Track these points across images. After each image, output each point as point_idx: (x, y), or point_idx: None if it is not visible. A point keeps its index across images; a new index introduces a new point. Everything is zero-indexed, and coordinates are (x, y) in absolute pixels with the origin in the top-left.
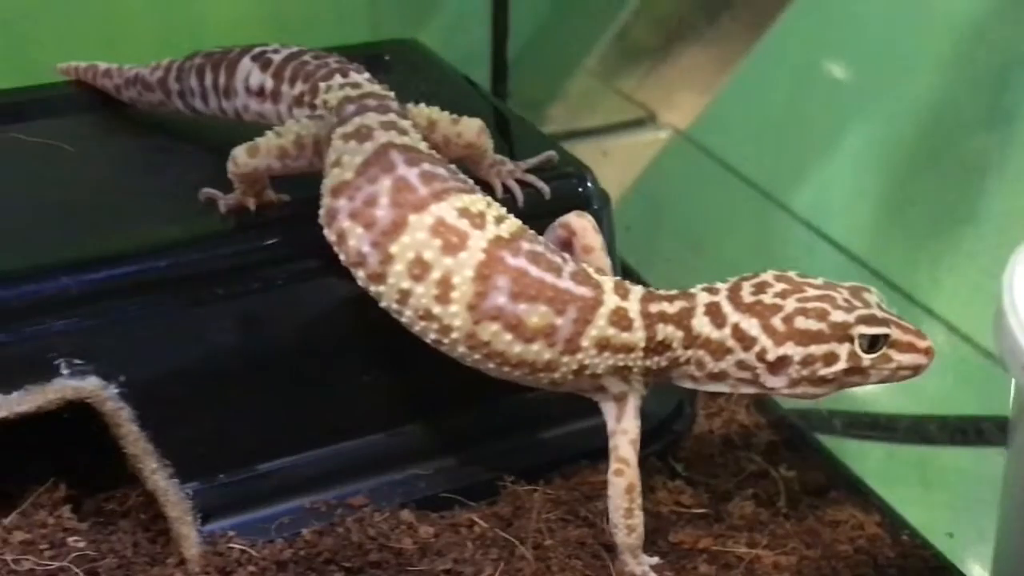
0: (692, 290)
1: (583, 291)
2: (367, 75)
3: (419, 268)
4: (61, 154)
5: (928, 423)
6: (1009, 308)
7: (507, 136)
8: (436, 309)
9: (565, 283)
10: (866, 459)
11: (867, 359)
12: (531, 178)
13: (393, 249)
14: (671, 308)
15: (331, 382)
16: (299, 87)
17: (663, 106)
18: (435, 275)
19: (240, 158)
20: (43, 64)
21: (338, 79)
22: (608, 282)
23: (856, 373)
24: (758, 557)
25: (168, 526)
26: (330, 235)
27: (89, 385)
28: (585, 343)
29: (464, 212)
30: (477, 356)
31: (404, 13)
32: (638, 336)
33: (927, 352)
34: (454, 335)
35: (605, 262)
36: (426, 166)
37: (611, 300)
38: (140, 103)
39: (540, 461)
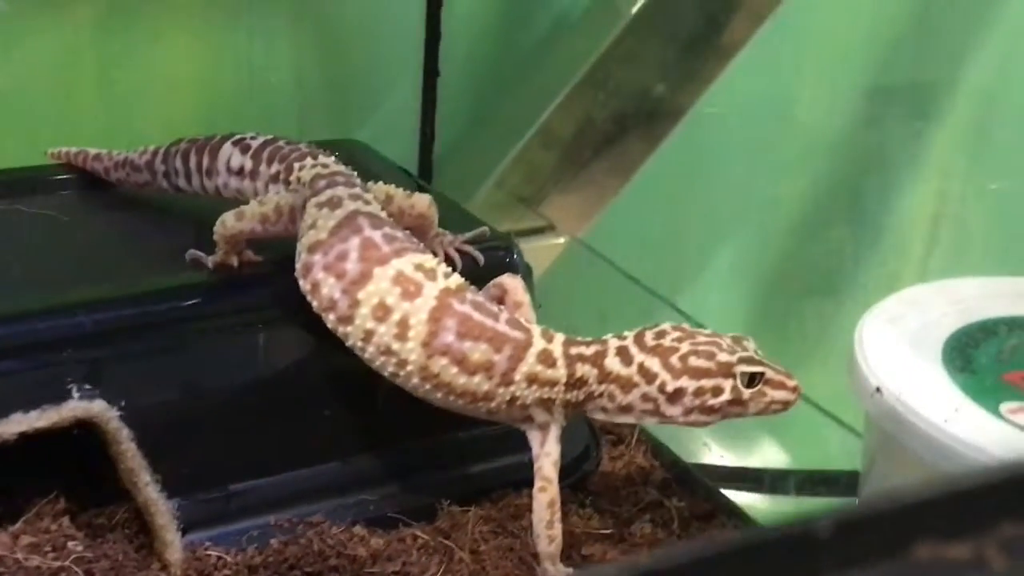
0: (604, 338)
1: (516, 334)
2: (333, 158)
3: (382, 311)
4: (58, 223)
5: (789, 475)
6: (859, 354)
7: (444, 215)
8: (395, 346)
9: (502, 327)
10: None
11: (746, 393)
12: (468, 248)
13: (360, 295)
14: (588, 351)
15: (295, 415)
16: (275, 167)
17: (561, 216)
18: (395, 317)
19: (228, 221)
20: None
21: (309, 160)
22: (536, 329)
23: (737, 404)
24: None
25: (152, 537)
26: (305, 285)
27: (97, 407)
28: (517, 377)
29: (419, 267)
30: (428, 386)
31: (330, 122)
32: (560, 372)
33: (795, 390)
34: (409, 368)
35: (532, 315)
36: (387, 229)
37: (539, 342)
38: (127, 183)
39: (472, 489)
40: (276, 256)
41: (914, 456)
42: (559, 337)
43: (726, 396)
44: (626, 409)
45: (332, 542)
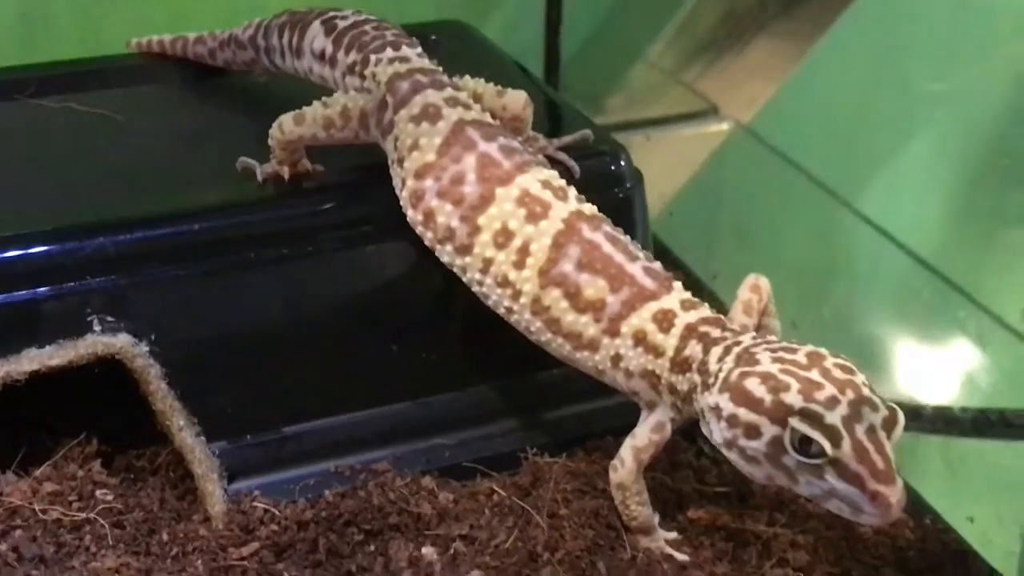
0: (750, 333)
1: (645, 281)
2: (419, 50)
3: (503, 236)
4: (111, 124)
5: (955, 411)
6: None
7: (553, 118)
8: (512, 275)
9: (632, 268)
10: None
11: (793, 457)
12: (562, 156)
13: (481, 221)
14: (713, 332)
15: (359, 350)
16: (353, 56)
17: (725, 98)
18: (516, 242)
19: (286, 125)
20: (112, 38)
21: (389, 52)
22: (679, 292)
23: (779, 466)
24: (775, 535)
25: (195, 484)
26: (415, 216)
27: (119, 342)
28: (624, 328)
29: (547, 184)
30: (538, 323)
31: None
32: (669, 343)
33: (875, 496)
34: (523, 300)
35: (772, 324)
36: (502, 140)
37: (667, 301)
38: (235, 64)
39: (565, 436)
40: (338, 165)
41: None
42: (701, 310)
43: (760, 445)
44: (701, 416)
45: (394, 496)
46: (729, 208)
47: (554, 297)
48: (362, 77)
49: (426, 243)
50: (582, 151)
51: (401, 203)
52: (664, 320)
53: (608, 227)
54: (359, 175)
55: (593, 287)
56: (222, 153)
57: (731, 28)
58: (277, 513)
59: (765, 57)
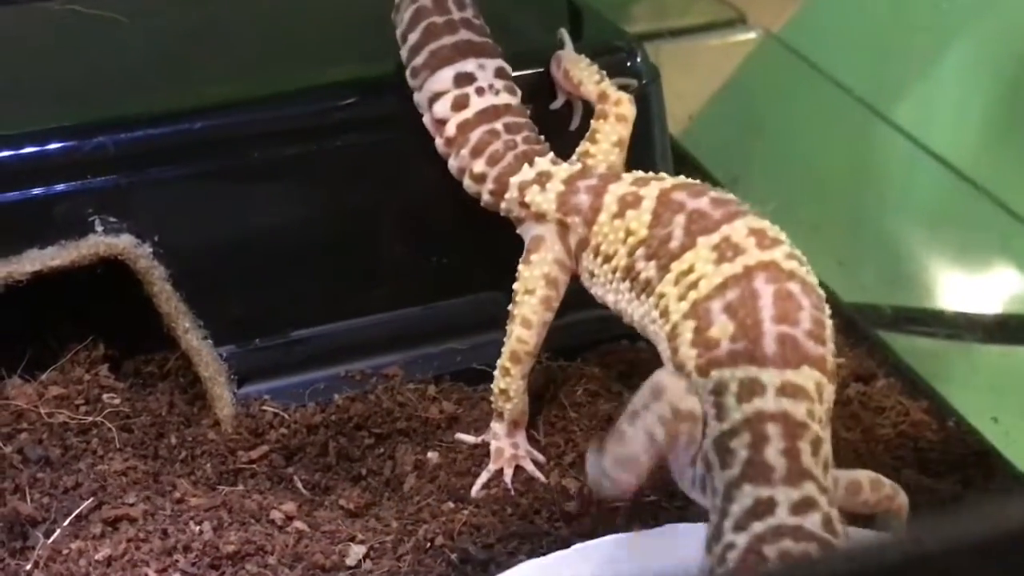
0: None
1: (768, 345)
2: (551, 155)
3: (685, 275)
4: (116, 25)
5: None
6: None
7: (574, 19)
8: (672, 305)
9: (768, 327)
10: (919, 351)
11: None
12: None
13: (673, 265)
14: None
15: (369, 254)
16: (482, 167)
17: (753, 6)
18: (691, 278)
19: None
20: None
21: (526, 172)
22: (802, 374)
23: None
24: None
25: (204, 388)
26: (627, 285)
27: (122, 242)
28: (714, 374)
29: (754, 232)
30: (668, 352)
31: None
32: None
33: None
34: (667, 328)
35: None
36: (713, 194)
37: (765, 376)
38: None
39: (578, 341)
40: (343, 65)
41: None
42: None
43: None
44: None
45: (403, 399)
46: (756, 117)
47: (687, 327)
48: (496, 195)
49: (623, 296)
50: (598, 48)
51: (598, 279)
52: (748, 389)
53: (795, 286)
54: (367, 75)
55: (720, 328)
56: (225, 54)
57: None
58: (287, 417)
59: None
